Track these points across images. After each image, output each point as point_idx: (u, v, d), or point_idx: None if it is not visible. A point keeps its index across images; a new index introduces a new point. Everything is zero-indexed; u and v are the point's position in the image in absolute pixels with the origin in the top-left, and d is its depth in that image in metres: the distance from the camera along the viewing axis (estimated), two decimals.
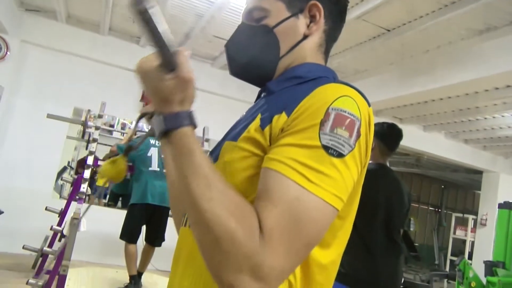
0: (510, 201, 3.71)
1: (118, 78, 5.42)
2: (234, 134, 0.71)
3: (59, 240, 3.57)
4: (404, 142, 7.72)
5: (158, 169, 3.81)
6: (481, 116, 5.86)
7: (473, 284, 3.17)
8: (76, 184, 4.32)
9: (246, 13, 0.81)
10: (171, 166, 0.90)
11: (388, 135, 2.27)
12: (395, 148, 2.31)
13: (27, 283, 3.30)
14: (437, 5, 3.32)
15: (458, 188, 12.04)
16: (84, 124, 4.00)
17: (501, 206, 3.64)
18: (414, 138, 7.03)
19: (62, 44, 5.09)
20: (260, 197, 0.57)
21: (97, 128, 4.02)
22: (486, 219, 7.72)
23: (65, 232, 3.05)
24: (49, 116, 3.94)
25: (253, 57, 0.78)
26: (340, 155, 0.57)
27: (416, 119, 6.66)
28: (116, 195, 6.79)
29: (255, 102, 0.82)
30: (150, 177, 3.76)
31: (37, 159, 4.93)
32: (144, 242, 3.88)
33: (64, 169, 6.48)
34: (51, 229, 3.74)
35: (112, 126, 5.53)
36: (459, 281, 3.29)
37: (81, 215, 2.92)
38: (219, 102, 5.96)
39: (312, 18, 0.77)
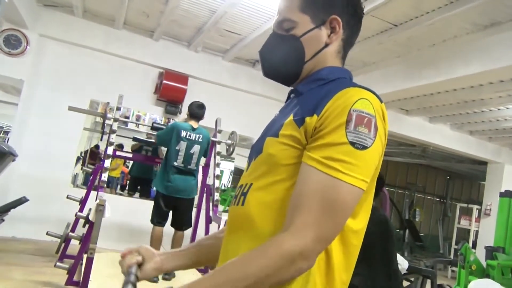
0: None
1: (133, 71, 5.60)
2: (274, 131, 0.87)
3: (83, 226, 3.77)
4: (410, 133, 7.89)
5: (183, 165, 3.95)
6: (486, 108, 5.98)
7: (473, 267, 3.35)
8: (95, 174, 4.53)
9: (277, 23, 0.96)
10: (190, 262, 1.03)
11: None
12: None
13: (55, 265, 3.54)
14: (443, 1, 3.45)
15: (463, 178, 12.14)
16: (104, 116, 4.17)
17: (502, 194, 3.80)
18: (420, 130, 7.17)
19: (79, 38, 5.27)
20: (295, 195, 0.76)
21: (115, 120, 4.22)
22: (490, 209, 7.86)
23: (90, 218, 3.24)
24: (70, 108, 4.12)
25: (283, 61, 0.94)
26: (364, 148, 0.74)
27: (422, 111, 6.79)
28: (135, 184, 7.01)
29: (285, 102, 0.99)
30: (173, 171, 3.92)
31: (56, 149, 5.14)
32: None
33: (77, 160, 6.70)
34: (76, 215, 3.94)
35: (127, 117, 5.72)
36: (461, 265, 3.47)
37: (106, 202, 3.12)
38: (229, 94, 6.13)
39: (333, 29, 0.92)
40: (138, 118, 5.82)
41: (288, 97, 0.99)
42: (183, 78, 5.71)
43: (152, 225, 4.03)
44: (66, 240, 4.31)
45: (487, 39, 3.84)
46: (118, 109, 4.33)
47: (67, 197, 4.43)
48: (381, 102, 0.81)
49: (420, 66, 4.63)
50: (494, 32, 3.71)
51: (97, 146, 7.85)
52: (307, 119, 0.79)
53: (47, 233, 4.32)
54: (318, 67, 0.92)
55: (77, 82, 5.29)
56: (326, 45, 0.92)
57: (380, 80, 5.08)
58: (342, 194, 0.73)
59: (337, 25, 0.91)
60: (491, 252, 3.49)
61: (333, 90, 0.81)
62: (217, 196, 4.42)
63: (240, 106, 6.17)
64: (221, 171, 4.67)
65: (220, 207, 4.65)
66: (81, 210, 4.32)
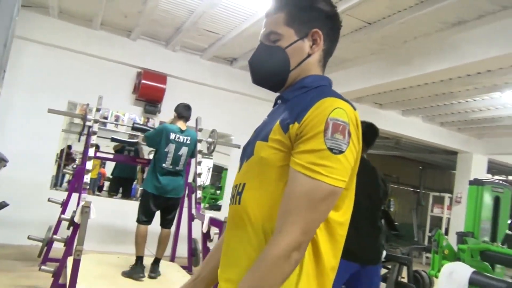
0: (480, 178, 4.11)
1: (110, 71, 5.58)
2: (263, 135, 0.97)
3: (68, 228, 3.77)
4: (384, 126, 8.13)
5: (171, 167, 4.02)
6: (456, 100, 6.25)
7: (446, 252, 3.56)
8: (76, 176, 4.52)
9: (264, 35, 1.06)
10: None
11: (366, 134, 2.64)
12: (372, 144, 2.74)
13: (39, 269, 3.53)
14: (414, 0, 3.62)
15: (435, 168, 12.57)
16: (84, 118, 4.17)
17: (471, 183, 4.02)
18: (393, 122, 7.41)
19: (55, 39, 5.20)
20: (284, 196, 0.87)
21: (96, 121, 4.22)
22: (460, 197, 8.21)
23: (76, 220, 3.26)
24: (50, 111, 4.10)
25: (271, 70, 1.04)
26: (340, 152, 0.85)
27: (395, 105, 7.03)
28: (118, 184, 6.98)
29: (273, 107, 1.09)
30: (162, 172, 3.98)
31: (35, 151, 5.08)
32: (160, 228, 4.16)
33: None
34: (59, 218, 3.94)
35: (105, 118, 5.70)
36: (434, 250, 3.67)
37: (91, 204, 3.15)
38: (208, 92, 6.18)
39: (314, 41, 1.02)
40: (117, 118, 5.80)
41: (275, 103, 1.09)
42: (161, 78, 5.72)
43: (136, 224, 4.09)
44: (48, 243, 4.29)
45: (456, 36, 4.04)
46: (98, 110, 4.33)
47: (49, 200, 4.41)
48: (355, 110, 0.92)
49: (393, 63, 4.81)
50: (461, 30, 3.91)
51: (69, 147, 7.75)
52: (291, 126, 0.90)
53: (28, 237, 4.29)
54: (302, 75, 1.02)
55: (54, 83, 5.23)
56: (309, 55, 1.02)
57: (356, 76, 5.25)
58: (324, 193, 0.84)
59: (318, 38, 1.02)
60: (461, 237, 3.71)
61: (315, 98, 0.91)
62: (199, 194, 4.50)
63: (219, 104, 6.23)
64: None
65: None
66: (63, 212, 4.31)
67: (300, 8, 1.01)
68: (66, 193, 4.75)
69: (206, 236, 3.97)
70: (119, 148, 6.64)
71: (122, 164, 6.71)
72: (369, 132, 2.73)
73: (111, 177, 7.41)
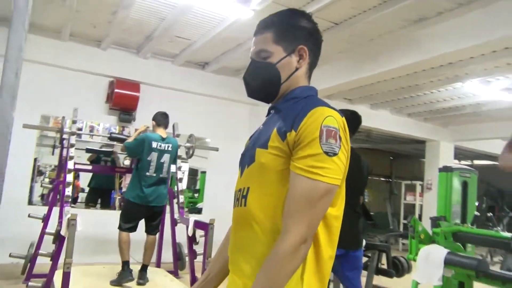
0: (448, 165, 4.35)
1: (82, 82, 5.54)
2: (262, 143, 1.07)
3: (53, 243, 3.76)
4: None
5: (155, 174, 4.06)
6: (421, 92, 6.54)
7: (422, 236, 3.77)
8: (55, 189, 4.49)
9: (254, 53, 1.17)
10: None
11: (350, 121, 2.78)
12: (356, 131, 2.87)
13: (27, 286, 3.52)
14: (378, 0, 3.81)
15: (406, 158, 13.01)
16: (61, 131, 4.15)
17: (440, 170, 4.25)
18: (363, 116, 7.51)
19: (25, 53, 5.10)
20: (288, 197, 0.99)
21: (72, 133, 4.22)
22: (431, 184, 8.57)
23: (62, 233, 3.27)
24: (25, 126, 4.06)
25: (264, 84, 1.15)
26: (334, 154, 0.97)
27: (364, 99, 7.28)
28: (96, 195, 6.91)
29: (266, 116, 1.20)
30: (146, 181, 4.02)
31: (10, 168, 4.96)
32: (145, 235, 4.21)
33: None
34: (44, 233, 3.91)
35: (80, 129, 5.64)
36: (411, 235, 3.88)
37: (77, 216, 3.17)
38: (182, 98, 6.22)
39: (301, 56, 1.14)
40: (92, 129, 5.76)
41: (268, 113, 1.20)
42: (134, 86, 5.73)
43: (118, 231, 4.11)
44: (32, 259, 4.25)
45: (418, 33, 4.26)
46: (74, 122, 4.32)
47: (29, 216, 4.36)
48: (342, 116, 1.05)
49: (361, 60, 5.01)
50: (423, 27, 4.13)
51: (35, 160, 7.59)
52: (288, 134, 1.01)
53: (10, 255, 4.24)
54: (292, 87, 1.14)
55: (26, 97, 5.12)
56: (297, 69, 1.14)
57: (326, 75, 5.42)
58: (323, 191, 0.96)
59: (304, 53, 1.14)
60: (435, 221, 3.93)
61: (306, 107, 1.03)
62: (181, 198, 4.56)
63: (193, 108, 6.28)
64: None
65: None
66: (45, 227, 4.28)
67: (286, 27, 1.13)
68: (43, 208, 4.72)
69: (192, 239, 4.05)
70: (93, 158, 6.58)
71: (100, 174, 6.66)
72: (353, 119, 2.89)
73: (87, 188, 7.32)
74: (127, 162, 6.53)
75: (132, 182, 4.18)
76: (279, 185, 1.02)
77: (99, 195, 6.96)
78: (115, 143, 5.61)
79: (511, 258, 3.85)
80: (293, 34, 1.13)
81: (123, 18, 4.53)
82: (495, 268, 4.13)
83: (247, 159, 1.12)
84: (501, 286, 3.47)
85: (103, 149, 6.72)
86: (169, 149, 4.19)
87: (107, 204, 6.99)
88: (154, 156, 4.07)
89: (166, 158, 4.15)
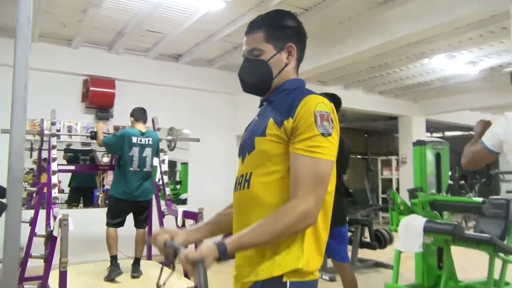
0: (421, 139, 4.58)
1: (56, 82, 5.48)
2: (260, 132, 1.19)
3: (45, 244, 3.79)
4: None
5: (138, 169, 4.12)
6: (391, 70, 6.75)
7: (401, 207, 3.99)
8: (40, 192, 4.49)
9: (247, 51, 1.28)
10: (209, 232, 1.35)
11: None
12: (337, 112, 3.04)
13: None
14: None
15: (380, 134, 13.36)
16: (41, 133, 4.14)
17: (414, 144, 4.47)
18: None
19: None
20: (294, 174, 1.10)
21: (53, 135, 4.22)
22: (406, 158, 8.89)
23: (55, 234, 3.30)
24: (3, 131, 4.02)
25: (257, 79, 1.27)
26: (329, 135, 1.11)
27: (337, 80, 7.46)
28: (78, 195, 6.88)
29: (259, 107, 1.32)
30: (131, 176, 4.08)
31: None
32: (134, 230, 4.27)
33: None
34: (35, 235, 3.93)
35: (58, 130, 5.59)
36: (391, 208, 4.10)
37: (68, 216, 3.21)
38: (158, 91, 6.23)
39: (289, 53, 1.27)
40: (70, 129, 5.72)
41: (261, 104, 1.32)
42: (109, 82, 5.71)
43: (106, 228, 4.17)
44: (23, 263, 4.26)
45: (385, 14, 4.41)
46: (54, 123, 4.31)
47: None
48: (330, 102, 1.18)
49: (332, 43, 5.14)
50: (389, 8, 4.28)
51: None
52: (285, 122, 1.14)
53: None
54: (283, 80, 1.27)
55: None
56: (286, 64, 1.27)
57: None
58: (324, 168, 1.10)
59: (292, 50, 1.27)
60: (412, 193, 4.16)
61: (297, 97, 1.16)
62: (168, 191, 4.63)
63: (170, 100, 6.30)
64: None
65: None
66: (33, 230, 4.28)
67: (275, 27, 1.25)
68: (26, 212, 4.70)
69: None
70: (67, 158, 6.53)
71: (80, 174, 6.63)
72: (334, 102, 3.05)
73: (67, 189, 7.27)
74: (106, 160, 6.52)
75: (116, 179, 4.22)
76: (278, 167, 1.14)
77: (81, 194, 6.94)
78: (94, 141, 5.60)
79: (483, 221, 4.11)
80: (282, 33, 1.25)
81: (93, 16, 4.50)
82: (470, 232, 4.41)
83: (246, 148, 1.24)
84: (476, 247, 3.74)
85: (82, 148, 6.67)
86: (150, 143, 4.24)
87: (89, 203, 6.97)
88: (135, 151, 4.12)
89: (148, 152, 4.21)
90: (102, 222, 4.31)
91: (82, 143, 6.27)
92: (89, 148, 6.61)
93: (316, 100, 1.14)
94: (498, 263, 4.05)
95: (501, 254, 3.83)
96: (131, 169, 4.09)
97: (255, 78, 1.27)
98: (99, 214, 5.10)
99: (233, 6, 4.22)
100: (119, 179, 4.14)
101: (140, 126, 4.28)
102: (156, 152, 4.39)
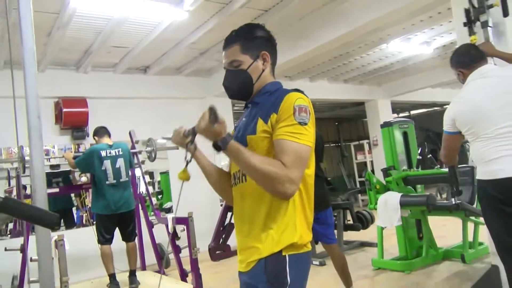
0: (388, 120, 4.86)
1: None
2: (250, 130, 1.36)
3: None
4: None
5: (115, 181, 4.21)
6: (352, 58, 7.04)
7: (377, 186, 4.27)
8: None
9: (228, 63, 1.45)
10: (208, 168, 1.51)
11: None
12: None
13: None
14: None
15: (350, 121, 13.76)
16: (23, 160, 4.16)
17: (382, 126, 4.75)
18: (304, 90, 7.98)
19: None
20: (279, 152, 1.26)
21: None
22: (376, 140, 9.25)
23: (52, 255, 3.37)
24: None
25: (240, 86, 1.45)
26: (305, 124, 1.28)
27: (302, 74, 7.71)
28: (59, 216, 6.82)
29: (244, 109, 1.50)
30: (109, 190, 4.16)
31: None
32: (124, 243, 4.36)
33: None
34: (31, 260, 3.95)
35: None
36: (368, 188, 4.36)
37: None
38: (130, 104, 6.27)
39: (264, 60, 1.44)
40: (47, 152, 5.71)
41: (246, 106, 1.51)
42: (81, 102, 5.73)
43: (99, 246, 4.24)
44: None
45: (341, 6, 4.63)
46: None
47: (6, 250, 4.35)
48: (307, 97, 1.36)
49: (294, 39, 5.34)
50: (344, 0, 4.53)
51: None
52: (271, 117, 1.32)
53: None
54: (263, 84, 1.45)
55: None
56: (263, 70, 1.45)
57: None
58: (303, 151, 1.27)
59: (267, 57, 1.45)
60: (386, 172, 4.43)
61: (280, 96, 1.34)
62: (154, 200, 4.74)
63: (143, 112, 6.35)
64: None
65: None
66: (25, 256, 4.29)
67: (248, 39, 1.43)
68: (13, 240, 4.71)
69: (174, 236, 4.26)
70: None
71: (55, 197, 6.59)
72: None
73: None
74: (84, 179, 6.52)
75: (95, 195, 4.29)
76: (269, 157, 1.30)
77: (61, 217, 6.90)
78: (64, 162, 5.61)
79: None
80: (255, 44, 1.43)
81: (59, 38, 4.54)
82: (442, 201, 4.72)
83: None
84: (449, 214, 4.04)
85: (52, 170, 6.63)
86: (120, 153, 4.33)
87: (71, 224, 6.93)
88: (107, 164, 4.21)
89: (120, 162, 4.29)
90: (91, 241, 4.37)
91: (50, 165, 6.23)
92: (59, 170, 6.57)
93: (295, 96, 1.32)
94: (471, 227, 4.38)
95: (472, 217, 4.15)
96: (107, 182, 4.17)
97: (238, 85, 1.44)
98: (85, 233, 5.14)
99: (196, 14, 4.35)
100: (97, 196, 4.22)
101: (106, 140, 4.37)
102: (130, 161, 4.46)
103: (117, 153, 4.30)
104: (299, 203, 1.32)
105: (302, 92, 1.42)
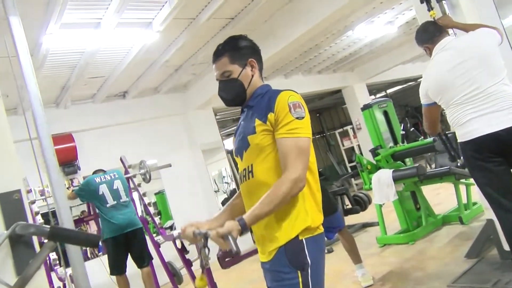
0: (367, 103, 5.03)
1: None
2: (250, 131, 1.47)
3: None
4: None
5: (115, 202, 4.28)
6: (322, 49, 7.23)
7: (369, 167, 4.43)
8: None
9: (220, 75, 1.57)
10: (232, 215, 1.55)
11: None
12: None
13: None
14: None
15: (330, 109, 13.96)
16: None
17: (362, 109, 4.91)
18: (280, 87, 8.17)
19: None
20: (282, 152, 1.39)
21: (33, 202, 4.30)
22: (359, 124, 9.45)
23: None
24: None
25: (235, 94, 1.57)
26: (302, 118, 1.41)
27: (276, 72, 7.86)
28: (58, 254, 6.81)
29: (241, 113, 1.62)
30: (111, 212, 4.22)
31: None
32: (139, 269, 4.40)
33: None
34: None
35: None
36: (360, 170, 4.52)
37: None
38: (115, 130, 6.31)
39: (252, 66, 1.57)
40: (42, 192, 5.71)
41: (242, 111, 1.63)
42: (67, 137, 5.76)
43: (114, 278, 4.29)
44: None
45: (301, 4, 4.80)
46: (29, 191, 4.36)
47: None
48: (297, 93, 1.48)
49: (263, 41, 5.43)
50: None
51: None
52: (268, 116, 1.43)
53: None
54: (254, 89, 1.57)
55: None
56: (252, 76, 1.57)
57: None
58: (303, 143, 1.40)
59: (254, 63, 1.58)
60: (374, 152, 4.60)
61: (272, 96, 1.47)
62: (158, 220, 4.80)
63: (131, 137, 6.40)
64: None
65: None
66: None
67: (235, 50, 1.55)
68: None
69: (183, 251, 4.33)
70: None
71: None
72: None
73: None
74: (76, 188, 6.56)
75: (103, 222, 4.35)
76: (271, 154, 1.44)
77: (63, 253, 6.88)
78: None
79: (440, 156, 4.61)
80: (241, 53, 1.55)
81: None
82: (432, 169, 4.91)
83: (242, 147, 1.53)
84: (440, 181, 4.23)
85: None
86: (116, 176, 4.45)
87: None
88: (104, 188, 4.31)
89: (117, 183, 4.39)
90: (100, 274, 4.41)
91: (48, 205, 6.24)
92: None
93: (287, 94, 1.44)
94: (463, 190, 4.56)
95: (463, 180, 4.35)
96: (108, 205, 4.26)
97: (233, 93, 1.56)
98: (95, 265, 5.17)
99: (166, 33, 4.45)
100: (103, 221, 4.30)
101: (100, 173, 4.50)
102: (127, 185, 4.55)
103: (113, 177, 4.40)
104: (307, 190, 1.44)
105: (292, 90, 1.55)
